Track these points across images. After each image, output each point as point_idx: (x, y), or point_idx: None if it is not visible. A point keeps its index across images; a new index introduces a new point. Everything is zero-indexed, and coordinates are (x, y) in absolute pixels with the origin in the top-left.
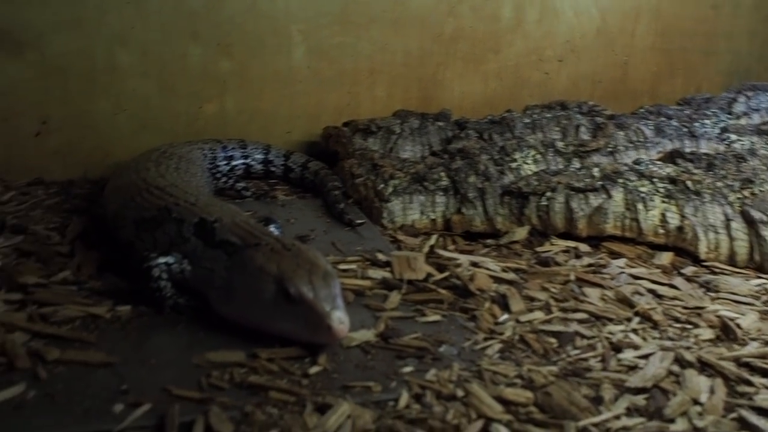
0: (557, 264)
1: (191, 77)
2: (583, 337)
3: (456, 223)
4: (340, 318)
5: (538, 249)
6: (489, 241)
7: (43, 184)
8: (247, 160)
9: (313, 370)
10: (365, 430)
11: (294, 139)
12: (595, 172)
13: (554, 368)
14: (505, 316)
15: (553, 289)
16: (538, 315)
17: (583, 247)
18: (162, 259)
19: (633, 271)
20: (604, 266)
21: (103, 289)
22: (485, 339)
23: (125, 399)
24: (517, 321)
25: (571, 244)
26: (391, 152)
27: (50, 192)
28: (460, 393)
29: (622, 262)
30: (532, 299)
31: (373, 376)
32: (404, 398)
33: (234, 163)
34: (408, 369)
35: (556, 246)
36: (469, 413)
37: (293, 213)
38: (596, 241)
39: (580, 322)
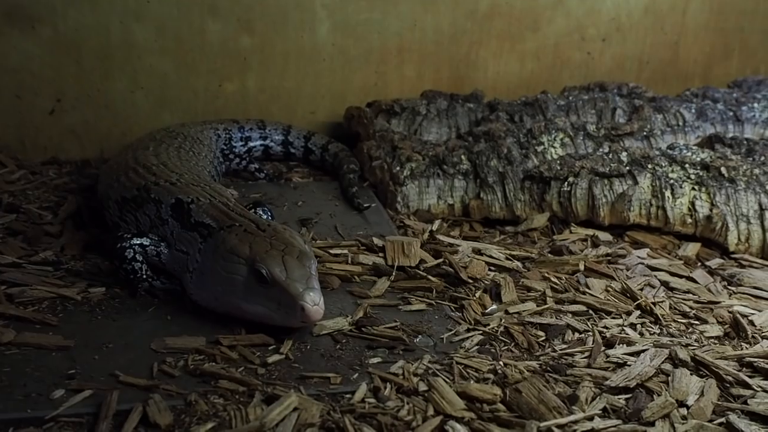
0: (570, 253)
1: (210, 54)
2: (574, 330)
3: (474, 209)
4: (313, 299)
5: (556, 237)
6: (507, 228)
7: (58, 163)
8: (266, 142)
9: (273, 358)
10: (308, 425)
11: (318, 120)
12: (623, 156)
13: (534, 363)
14: (494, 307)
15: (555, 279)
16: (530, 306)
17: (604, 236)
18: (136, 240)
19: (652, 262)
20: (622, 256)
21: (81, 271)
22: (467, 330)
23: (68, 384)
24: (506, 312)
25: (592, 232)
26: (415, 134)
27: (62, 171)
28: (422, 387)
29: (644, 252)
30: (528, 289)
31: (336, 367)
32: (361, 391)
33: (251, 144)
34: (375, 360)
35: (575, 234)
36: (426, 409)
37: (304, 196)
38: (620, 230)
39: (575, 314)
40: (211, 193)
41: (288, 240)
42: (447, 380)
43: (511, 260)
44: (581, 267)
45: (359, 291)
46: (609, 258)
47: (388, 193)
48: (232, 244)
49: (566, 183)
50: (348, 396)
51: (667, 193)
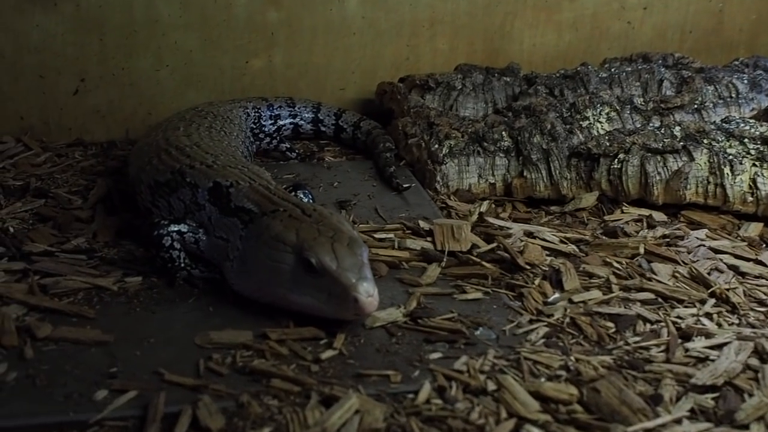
0: (626, 235)
1: (236, 29)
2: (646, 321)
3: (517, 188)
4: (367, 290)
5: (607, 218)
6: (553, 208)
7: (83, 145)
8: (296, 120)
9: (327, 354)
10: (373, 430)
11: (348, 97)
12: (677, 131)
13: (607, 358)
14: (556, 295)
15: (616, 264)
16: (595, 294)
17: (659, 216)
18: (174, 227)
19: (714, 244)
20: (680, 238)
21: (115, 259)
22: (530, 321)
23: (111, 384)
24: (570, 301)
25: (645, 212)
26: (450, 110)
27: (88, 154)
28: (491, 386)
29: (702, 233)
30: (590, 276)
31: (395, 364)
32: (425, 391)
33: (281, 122)
34: (436, 355)
35: (627, 214)
36: (498, 411)
37: (339, 176)
38: (674, 209)
39: (645, 303)
40: (250, 175)
41: (336, 226)
42: (516, 378)
43: (566, 243)
44: (641, 250)
45: (409, 278)
46: (668, 240)
47: (426, 172)
48: (277, 231)
49: (616, 160)
50: (410, 396)
51: (726, 170)
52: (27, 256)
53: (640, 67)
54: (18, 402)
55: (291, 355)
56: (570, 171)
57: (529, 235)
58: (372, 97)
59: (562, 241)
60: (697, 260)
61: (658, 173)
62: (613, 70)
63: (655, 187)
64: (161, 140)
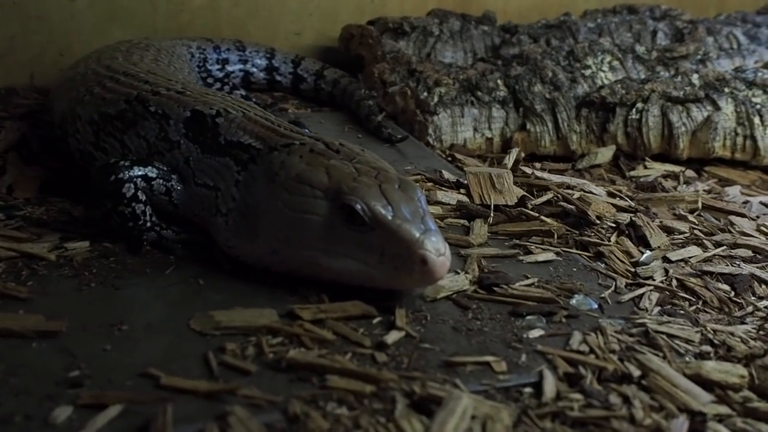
0: (664, 190)
1: None
2: (761, 281)
3: (519, 143)
4: (437, 247)
5: (632, 174)
6: (563, 166)
7: None
8: (246, 66)
9: (392, 337)
10: None
11: (304, 43)
12: (695, 79)
13: (747, 328)
14: (648, 254)
15: (692, 219)
16: (694, 251)
17: (688, 172)
18: (138, 170)
19: (758, 199)
20: (720, 194)
21: (45, 219)
22: (628, 286)
23: (76, 395)
24: (666, 260)
25: (672, 167)
26: (428, 58)
27: None
28: (634, 371)
29: (735, 190)
30: (669, 231)
31: (488, 346)
32: (550, 383)
33: (229, 68)
34: (536, 333)
35: (651, 170)
36: (663, 405)
37: (312, 128)
38: (697, 165)
39: (748, 261)
40: (240, 104)
41: (377, 164)
42: (659, 358)
43: (614, 197)
44: (699, 204)
45: (456, 238)
46: (713, 197)
47: (415, 123)
48: (299, 170)
49: (634, 110)
50: (528, 390)
51: (756, 120)
52: None
53: (628, 18)
54: None
55: (339, 340)
56: (580, 123)
57: (568, 188)
58: (331, 44)
59: (610, 194)
60: (758, 216)
61: (684, 124)
62: (599, 20)
63: (681, 140)
64: (100, 68)
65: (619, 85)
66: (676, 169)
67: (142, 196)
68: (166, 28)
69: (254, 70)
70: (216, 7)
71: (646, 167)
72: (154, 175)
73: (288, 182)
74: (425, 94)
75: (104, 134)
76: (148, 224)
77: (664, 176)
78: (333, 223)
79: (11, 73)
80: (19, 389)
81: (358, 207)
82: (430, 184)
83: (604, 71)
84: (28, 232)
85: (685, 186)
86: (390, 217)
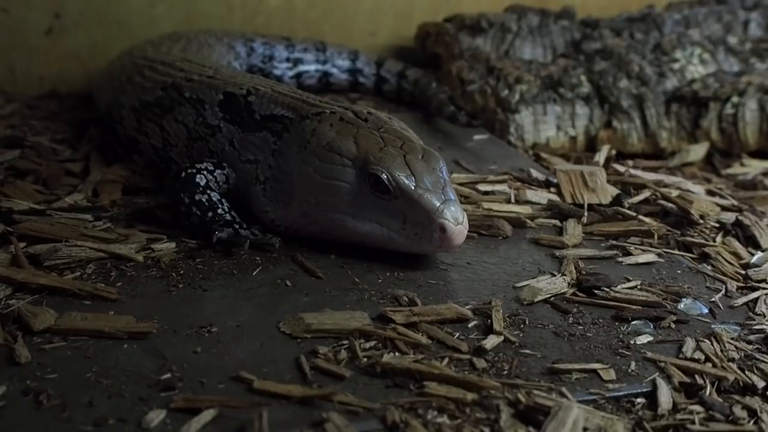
0: (767, 189)
1: None
2: None
3: (604, 141)
4: (455, 215)
5: (727, 172)
6: (655, 164)
7: (58, 97)
8: (325, 67)
9: (491, 342)
10: None
11: (379, 43)
12: None
13: None
14: (759, 255)
15: None
16: None
17: None
18: (200, 165)
19: None
20: None
21: (132, 220)
22: (740, 289)
23: (169, 398)
24: None
25: None
26: (506, 55)
27: (65, 107)
28: (757, 381)
29: None
30: None
31: (593, 353)
32: (665, 393)
33: (302, 68)
34: (644, 339)
35: (749, 167)
36: None
37: None
38: None
39: None
40: (267, 82)
41: (402, 134)
42: None
43: (714, 196)
44: None
45: (548, 239)
46: None
47: (495, 122)
48: (329, 138)
49: (729, 104)
50: (639, 401)
51: None
52: (7, 216)
53: (717, 8)
54: None
55: (435, 344)
56: (669, 119)
57: (665, 187)
58: (407, 43)
59: (710, 193)
60: None
61: None
62: (685, 11)
63: None
64: (138, 59)
65: (712, 79)
66: None
67: (215, 186)
68: (242, 29)
69: (335, 71)
70: (291, 9)
71: (743, 164)
72: (212, 168)
73: (319, 150)
74: (506, 91)
75: (145, 120)
76: (228, 217)
77: (764, 174)
78: (360, 189)
79: (93, 78)
80: (112, 391)
81: (384, 176)
82: (518, 183)
83: (694, 65)
84: (116, 233)
85: None
86: (413, 187)
